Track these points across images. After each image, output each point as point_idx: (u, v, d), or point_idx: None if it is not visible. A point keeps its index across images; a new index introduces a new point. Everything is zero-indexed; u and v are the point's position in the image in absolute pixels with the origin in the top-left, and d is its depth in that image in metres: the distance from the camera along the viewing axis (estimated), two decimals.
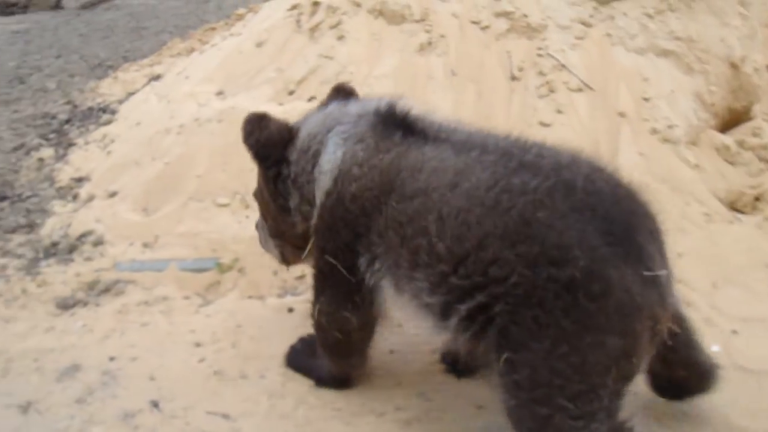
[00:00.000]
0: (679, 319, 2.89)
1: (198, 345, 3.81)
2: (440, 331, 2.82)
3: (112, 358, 3.74)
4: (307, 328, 3.50)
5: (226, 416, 3.31)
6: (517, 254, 2.53)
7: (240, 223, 4.57)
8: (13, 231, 4.97)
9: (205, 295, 4.21)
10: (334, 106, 3.40)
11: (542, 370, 2.52)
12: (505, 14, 5.36)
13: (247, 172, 4.32)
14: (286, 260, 3.73)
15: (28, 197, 5.39)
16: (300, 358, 3.60)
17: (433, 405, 3.34)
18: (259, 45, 5.70)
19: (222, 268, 4.30)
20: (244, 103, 5.06)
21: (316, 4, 5.65)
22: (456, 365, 3.53)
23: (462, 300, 2.66)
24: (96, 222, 4.87)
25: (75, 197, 5.23)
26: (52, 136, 6.38)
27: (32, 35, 11.12)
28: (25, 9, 13.63)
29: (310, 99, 5.04)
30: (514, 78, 5.06)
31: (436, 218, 2.70)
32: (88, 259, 4.57)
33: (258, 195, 3.65)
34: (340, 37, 5.40)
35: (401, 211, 2.80)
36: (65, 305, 4.20)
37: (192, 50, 7.47)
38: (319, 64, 5.28)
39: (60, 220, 4.99)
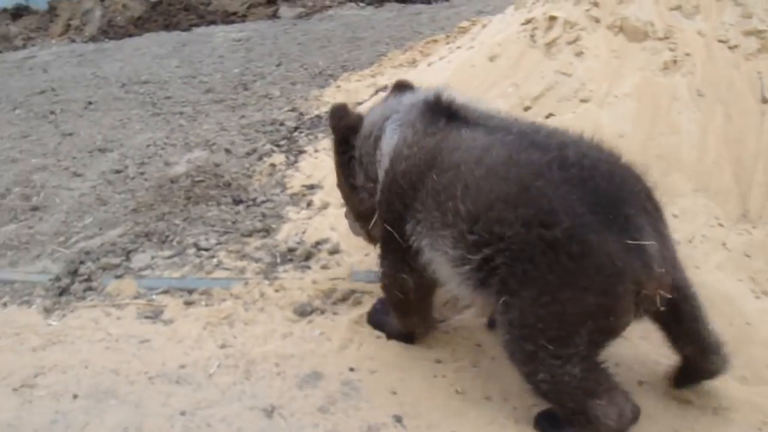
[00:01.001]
0: (683, 293, 3.20)
1: (438, 362, 3.78)
2: (454, 278, 3.27)
3: (351, 369, 3.76)
4: None
5: None
6: (517, 216, 2.97)
7: None
8: (250, 235, 5.12)
9: (441, 310, 4.16)
10: (392, 99, 3.91)
11: (529, 314, 2.99)
12: (756, 33, 5.05)
13: None
14: (373, 239, 4.09)
15: (263, 202, 5.57)
16: (378, 316, 4.10)
17: None
18: (492, 59, 5.65)
19: None
20: None
21: (552, 19, 5.52)
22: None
23: (474, 253, 3.10)
24: (331, 230, 4.96)
25: (308, 204, 5.35)
26: (282, 142, 6.58)
27: (252, 43, 11.57)
28: (243, 18, 14.25)
29: (548, 116, 4.93)
30: (766, 101, 4.77)
31: (462, 186, 3.15)
32: (324, 267, 4.66)
33: (339, 183, 4.13)
34: (579, 54, 5.24)
35: (439, 182, 3.27)
36: (303, 312, 4.27)
37: (414, 62, 7.54)
38: (556, 81, 5.15)
39: (295, 227, 5.12)
